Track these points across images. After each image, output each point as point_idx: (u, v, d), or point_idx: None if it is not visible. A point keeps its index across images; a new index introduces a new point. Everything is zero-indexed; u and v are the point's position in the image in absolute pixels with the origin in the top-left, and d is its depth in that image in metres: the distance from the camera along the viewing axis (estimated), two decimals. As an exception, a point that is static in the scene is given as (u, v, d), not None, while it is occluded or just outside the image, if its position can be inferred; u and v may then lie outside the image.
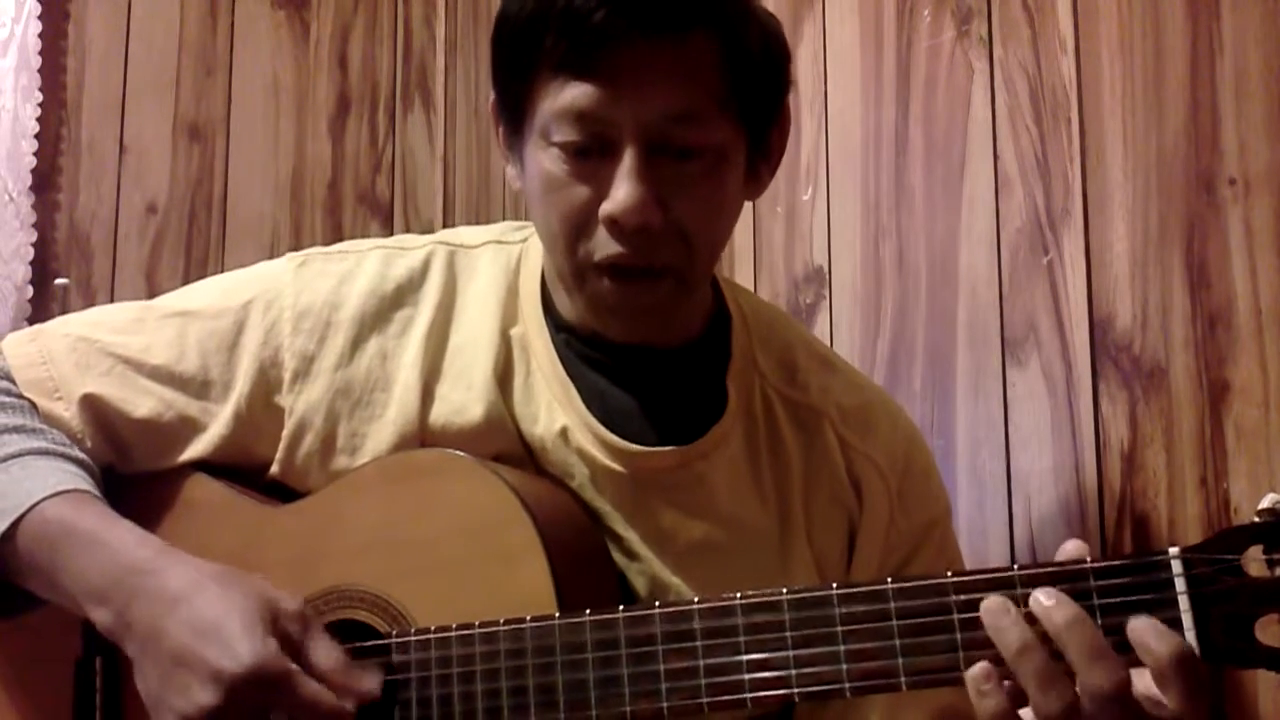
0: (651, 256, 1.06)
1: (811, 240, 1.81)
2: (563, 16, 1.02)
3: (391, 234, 2.38)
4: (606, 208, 1.04)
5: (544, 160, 1.07)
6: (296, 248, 1.27)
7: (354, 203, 2.43)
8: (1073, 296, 1.51)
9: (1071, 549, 0.91)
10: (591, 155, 1.05)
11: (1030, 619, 0.88)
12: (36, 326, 1.26)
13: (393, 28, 2.52)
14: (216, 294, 1.22)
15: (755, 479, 1.17)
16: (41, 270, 2.10)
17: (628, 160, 1.04)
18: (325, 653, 1.01)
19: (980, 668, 0.89)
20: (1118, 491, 1.45)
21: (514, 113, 1.10)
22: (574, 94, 1.04)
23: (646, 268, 1.07)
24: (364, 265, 1.20)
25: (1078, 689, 0.86)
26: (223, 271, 1.32)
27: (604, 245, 1.06)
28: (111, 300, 2.13)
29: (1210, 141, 1.40)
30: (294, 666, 0.98)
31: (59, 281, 2.11)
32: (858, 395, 1.23)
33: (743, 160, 1.11)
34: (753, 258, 1.87)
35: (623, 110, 1.03)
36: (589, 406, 1.14)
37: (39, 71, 2.11)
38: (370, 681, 1.01)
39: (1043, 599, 0.88)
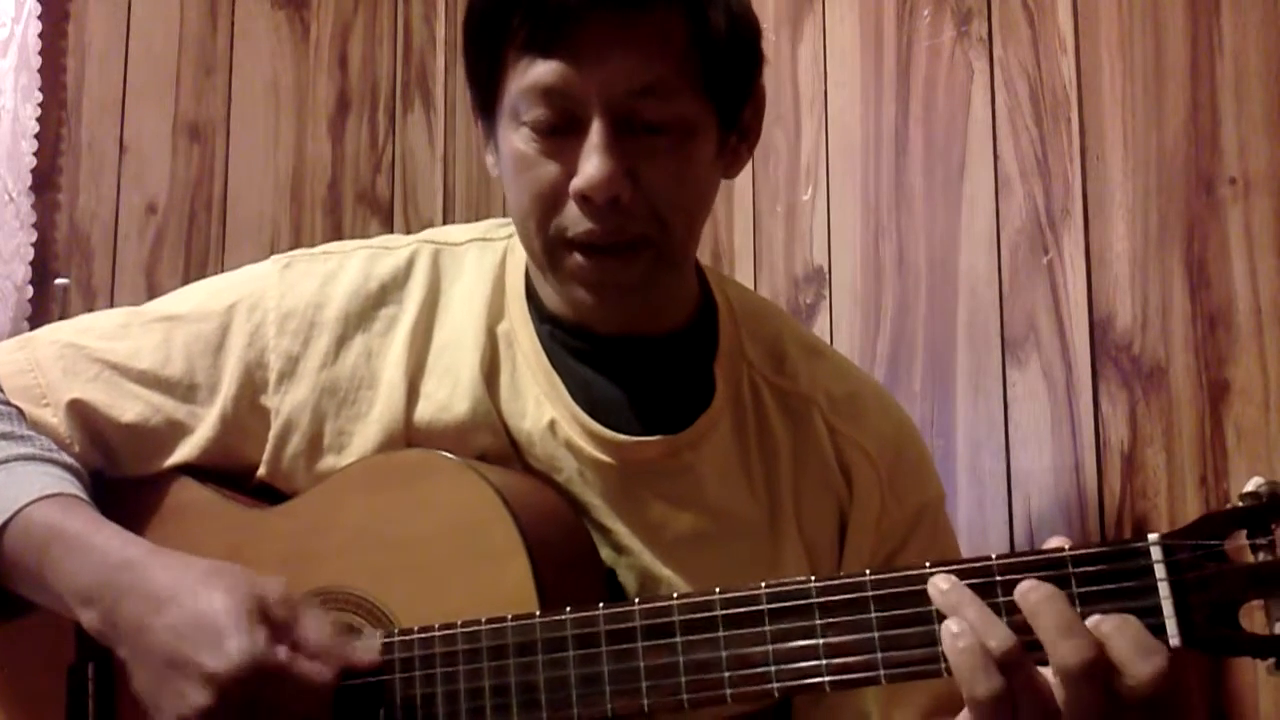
0: (622, 231, 1.06)
1: (811, 240, 1.81)
2: None
3: (392, 234, 2.38)
4: (576, 183, 1.04)
5: (515, 140, 1.07)
6: (296, 247, 1.28)
7: (354, 203, 2.43)
8: (1073, 296, 1.51)
9: (1054, 545, 0.90)
10: (560, 132, 1.05)
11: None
12: (25, 335, 1.27)
13: (393, 28, 2.52)
14: (202, 298, 1.22)
15: (744, 468, 1.17)
16: (41, 270, 2.10)
17: (594, 135, 1.04)
18: (316, 628, 1.01)
19: (949, 621, 0.88)
20: (1118, 491, 1.45)
21: (486, 98, 1.11)
22: (540, 71, 1.04)
23: (617, 243, 1.07)
24: (348, 265, 1.20)
25: (1050, 670, 0.85)
26: (223, 272, 1.32)
27: (576, 222, 1.06)
28: (111, 301, 2.13)
29: (1210, 141, 1.40)
30: (285, 656, 0.98)
31: (59, 281, 2.11)
32: (846, 383, 1.23)
33: (714, 136, 1.10)
34: (753, 258, 1.87)
35: (588, 85, 1.03)
36: (575, 398, 1.14)
37: (39, 71, 2.11)
38: (365, 650, 1.02)
39: (1022, 584, 0.87)
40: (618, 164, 1.04)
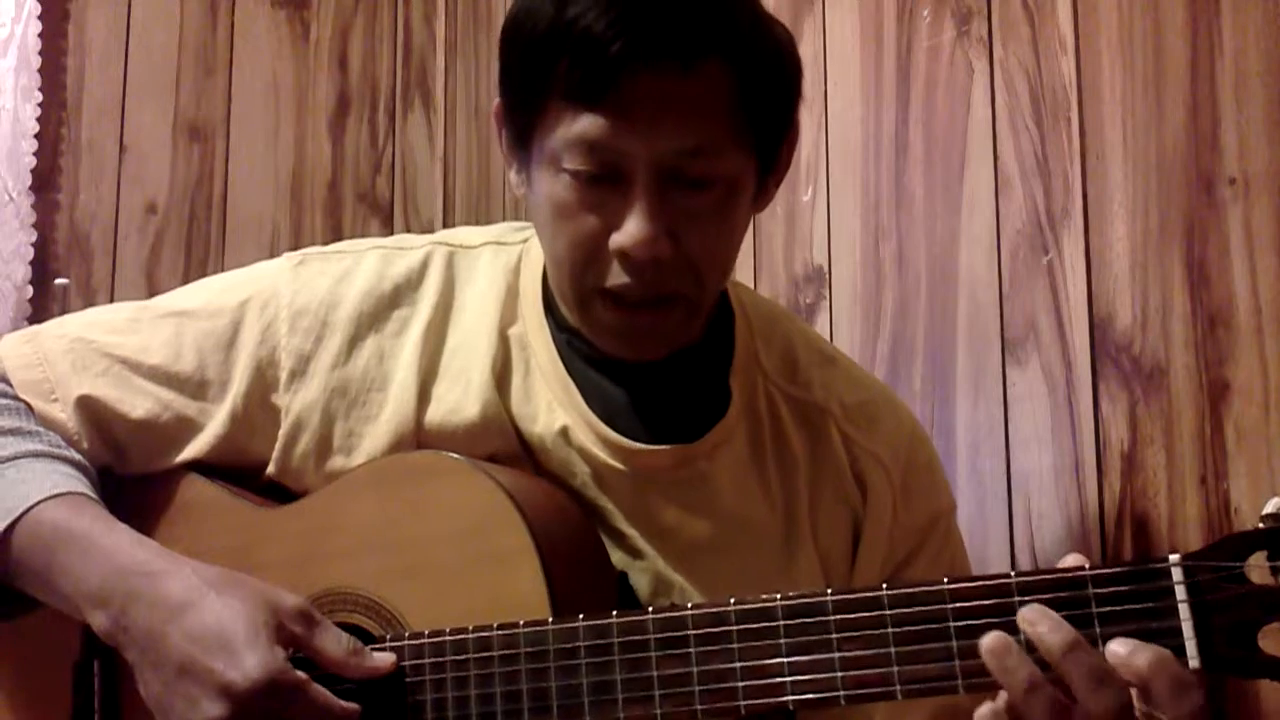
0: (659, 286, 1.06)
1: (811, 240, 1.81)
2: (579, 43, 1.01)
3: (391, 234, 2.38)
4: (618, 240, 1.04)
5: (554, 186, 1.06)
6: (296, 248, 1.27)
7: (354, 203, 2.43)
8: (1073, 296, 1.51)
9: (1071, 563, 0.90)
10: (602, 183, 1.04)
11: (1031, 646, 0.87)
12: (33, 328, 1.26)
13: (393, 28, 2.52)
14: (213, 293, 1.22)
15: (760, 477, 1.17)
16: (41, 270, 2.11)
17: (639, 194, 1.03)
18: (334, 642, 1.01)
19: (997, 638, 0.87)
20: (1118, 491, 1.45)
21: (521, 128, 1.09)
22: (586, 124, 1.02)
23: (654, 297, 1.07)
24: (362, 265, 1.19)
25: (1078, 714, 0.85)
26: (223, 271, 1.31)
27: (613, 275, 1.06)
28: (111, 300, 2.13)
29: (1210, 141, 1.39)
30: (302, 676, 0.98)
31: (59, 281, 2.12)
32: (860, 391, 1.23)
33: (753, 183, 1.10)
34: (753, 258, 1.87)
35: (636, 143, 1.02)
36: (590, 405, 1.14)
37: (39, 71, 2.11)
38: (382, 660, 1.02)
39: (1034, 622, 0.86)
40: (660, 224, 1.03)
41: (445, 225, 2.42)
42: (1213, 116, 1.39)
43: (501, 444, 1.14)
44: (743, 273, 1.87)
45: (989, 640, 0.87)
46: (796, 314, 1.77)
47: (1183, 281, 1.41)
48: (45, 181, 2.14)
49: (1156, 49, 1.46)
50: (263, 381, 1.17)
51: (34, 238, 2.09)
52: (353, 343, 1.17)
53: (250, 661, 0.96)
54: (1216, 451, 1.36)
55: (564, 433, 1.14)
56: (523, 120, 1.08)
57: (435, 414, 1.15)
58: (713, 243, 1.07)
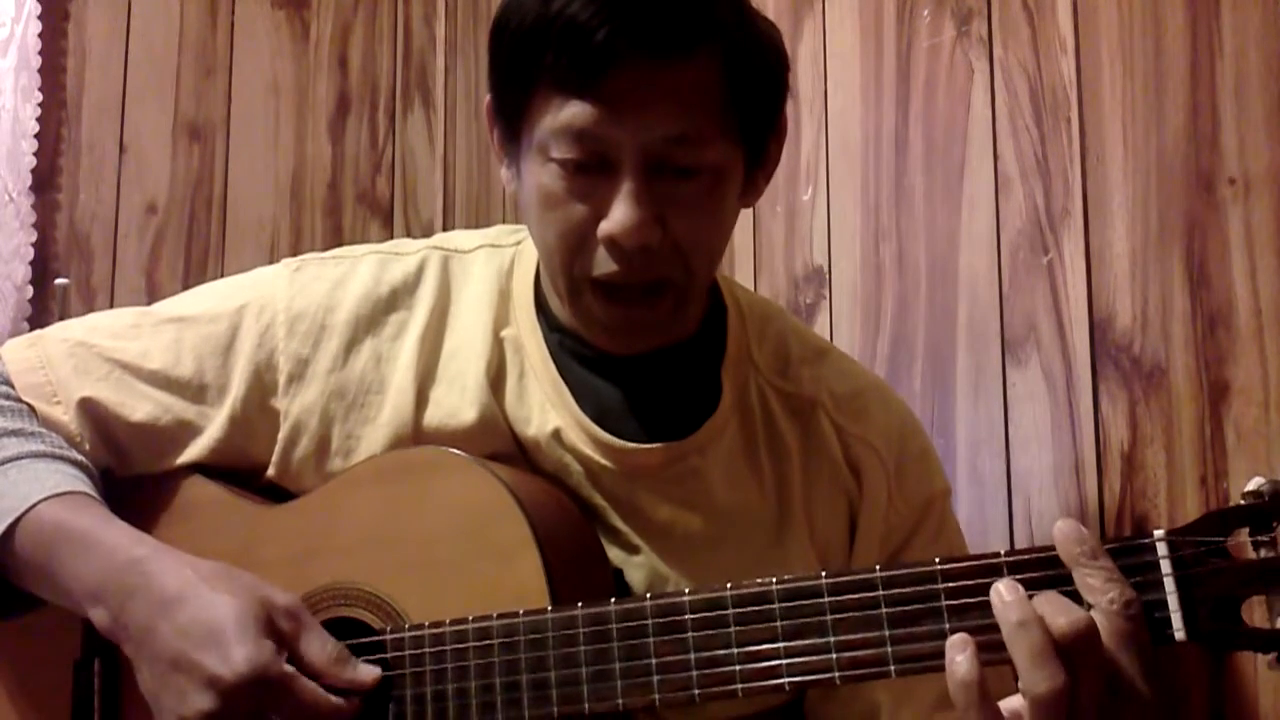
0: (648, 273, 1.07)
1: (811, 240, 1.81)
2: (564, 33, 1.01)
3: (391, 234, 2.39)
4: (605, 227, 1.04)
5: (542, 175, 1.07)
6: (296, 247, 1.28)
7: (354, 203, 2.43)
8: (1073, 296, 1.51)
9: (1063, 529, 0.90)
10: (590, 172, 1.05)
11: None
12: (36, 332, 1.27)
13: (393, 28, 2.52)
14: (213, 299, 1.23)
15: (753, 470, 1.17)
16: (41, 270, 2.11)
17: (627, 181, 1.03)
18: (320, 646, 1.02)
19: (958, 635, 0.88)
20: (1118, 491, 1.45)
21: (511, 121, 1.10)
22: (573, 113, 1.03)
23: (643, 284, 1.07)
24: (359, 270, 1.20)
25: (1019, 694, 0.86)
26: (223, 272, 1.32)
27: (601, 263, 1.06)
28: (111, 301, 2.13)
29: (1210, 141, 1.40)
30: (290, 669, 0.99)
31: (59, 281, 2.12)
32: (850, 381, 1.23)
33: (740, 174, 1.10)
34: (753, 258, 1.87)
35: (623, 132, 1.03)
36: (582, 405, 1.15)
37: (39, 71, 2.12)
38: (365, 673, 1.02)
39: (1004, 592, 0.87)
40: (648, 211, 1.04)
41: (445, 226, 2.42)
42: (1213, 117, 1.39)
43: (498, 446, 1.15)
44: (743, 272, 1.87)
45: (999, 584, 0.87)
46: (793, 312, 1.77)
47: (1183, 281, 1.41)
48: (45, 181, 2.14)
49: (1156, 49, 1.46)
50: (261, 385, 1.18)
51: (34, 238, 2.09)
52: (350, 346, 1.18)
53: (238, 655, 0.97)
54: (1216, 451, 1.36)
55: (557, 434, 1.15)
56: (511, 112, 1.09)
57: (433, 417, 1.15)
58: (700, 230, 1.08)
